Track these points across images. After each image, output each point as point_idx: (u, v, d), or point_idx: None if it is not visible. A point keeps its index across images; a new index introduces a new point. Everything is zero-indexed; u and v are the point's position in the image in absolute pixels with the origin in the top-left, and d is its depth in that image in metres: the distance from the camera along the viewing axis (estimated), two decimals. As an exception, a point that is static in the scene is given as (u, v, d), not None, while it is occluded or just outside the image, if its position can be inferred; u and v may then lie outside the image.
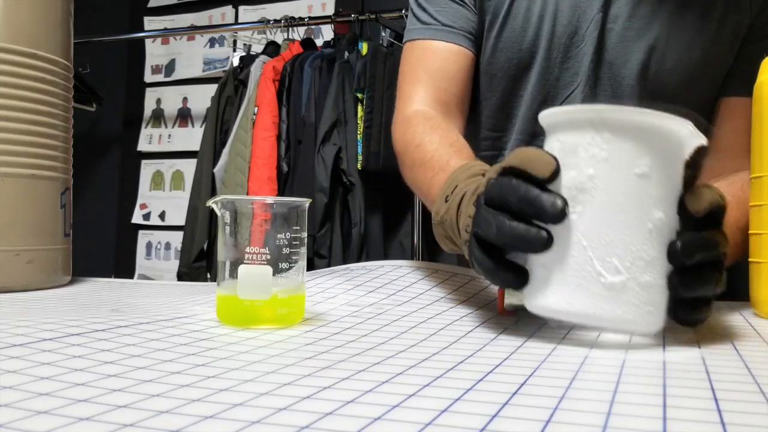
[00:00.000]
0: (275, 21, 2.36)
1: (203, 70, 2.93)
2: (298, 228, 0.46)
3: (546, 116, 0.43)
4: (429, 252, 2.14)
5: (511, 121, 0.79)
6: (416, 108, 0.76)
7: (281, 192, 2.11)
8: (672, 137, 0.40)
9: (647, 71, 0.72)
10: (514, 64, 0.76)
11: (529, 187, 0.41)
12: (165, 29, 2.91)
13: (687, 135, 0.40)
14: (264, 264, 0.44)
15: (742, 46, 0.72)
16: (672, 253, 0.40)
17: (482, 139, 0.82)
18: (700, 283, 0.41)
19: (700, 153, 0.41)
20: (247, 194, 2.11)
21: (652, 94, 0.72)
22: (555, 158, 0.40)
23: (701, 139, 0.41)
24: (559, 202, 0.39)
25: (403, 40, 0.83)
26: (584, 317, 0.40)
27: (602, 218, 0.39)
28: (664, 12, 0.72)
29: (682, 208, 0.40)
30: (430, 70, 0.77)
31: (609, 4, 0.73)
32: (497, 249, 0.44)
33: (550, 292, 0.40)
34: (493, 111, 0.80)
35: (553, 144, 0.42)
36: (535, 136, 0.77)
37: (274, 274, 0.45)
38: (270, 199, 0.46)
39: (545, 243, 0.40)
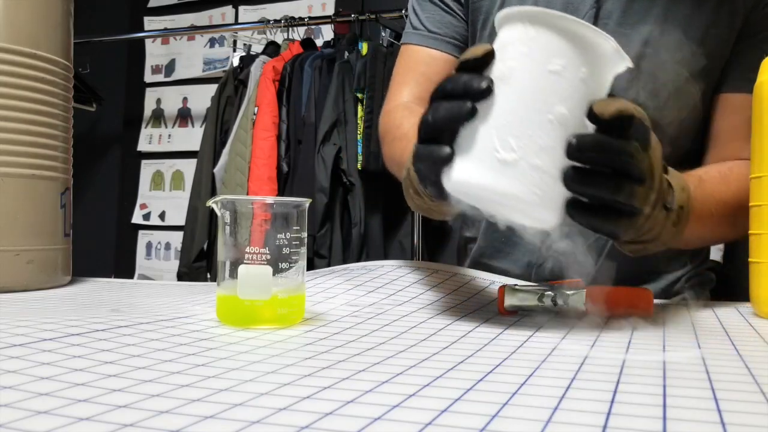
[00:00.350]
0: (275, 21, 2.36)
1: (203, 70, 2.93)
2: (298, 228, 0.46)
3: (495, 18, 0.47)
4: (429, 252, 2.14)
5: None
6: (399, 102, 0.82)
7: (281, 192, 2.11)
8: (592, 47, 0.44)
9: (641, 66, 0.73)
10: None
11: (462, 73, 0.45)
12: (165, 29, 2.91)
13: (610, 51, 0.45)
14: (264, 264, 0.44)
15: (738, 42, 0.72)
16: (568, 147, 0.43)
17: None
18: (592, 181, 0.44)
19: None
20: (247, 194, 2.11)
21: (646, 87, 0.73)
22: (492, 47, 0.46)
23: (627, 61, 0.46)
24: (484, 82, 0.43)
25: (400, 42, 0.88)
26: (479, 188, 0.44)
27: (509, 103, 0.44)
28: (658, 5, 0.72)
29: (591, 112, 0.43)
30: (415, 74, 0.82)
31: (602, 0, 0.73)
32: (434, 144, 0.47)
33: (458, 166, 0.45)
34: None
35: (495, 42, 0.47)
36: None
37: (274, 274, 0.45)
38: (270, 199, 0.46)
39: (469, 112, 0.43)
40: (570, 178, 0.43)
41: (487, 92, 0.43)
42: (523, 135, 0.43)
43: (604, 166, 0.44)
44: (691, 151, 0.75)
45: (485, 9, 0.79)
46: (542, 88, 0.43)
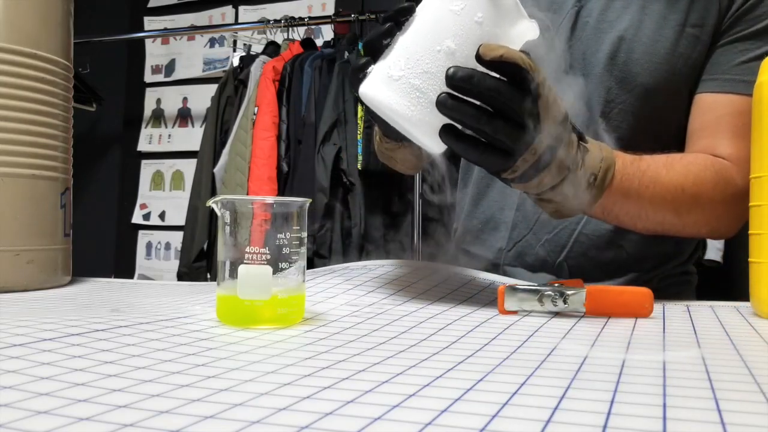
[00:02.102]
0: (275, 21, 2.36)
1: (203, 70, 2.93)
2: (298, 228, 0.46)
3: None
4: (429, 252, 2.14)
5: None
6: None
7: (281, 192, 2.11)
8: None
9: (615, 61, 0.75)
10: None
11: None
12: (165, 29, 2.91)
13: (510, 4, 0.51)
14: (264, 264, 0.44)
15: (712, 42, 0.73)
16: (446, 75, 0.49)
17: None
18: (460, 108, 0.49)
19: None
20: (247, 194, 2.11)
21: (621, 83, 0.74)
22: None
23: (527, 20, 0.52)
24: (398, 8, 0.51)
25: None
26: (372, 99, 0.51)
27: (411, 32, 0.51)
28: (635, 4, 0.74)
29: (477, 52, 0.49)
30: None
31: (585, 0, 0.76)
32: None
33: (367, 78, 0.52)
34: None
35: None
36: None
37: (274, 274, 0.45)
38: (270, 199, 0.46)
39: (385, 31, 0.51)
40: (441, 102, 0.49)
41: (398, 16, 0.51)
42: (412, 58, 0.50)
43: (477, 99, 0.50)
44: (674, 146, 0.76)
45: None
46: (438, 23, 0.50)
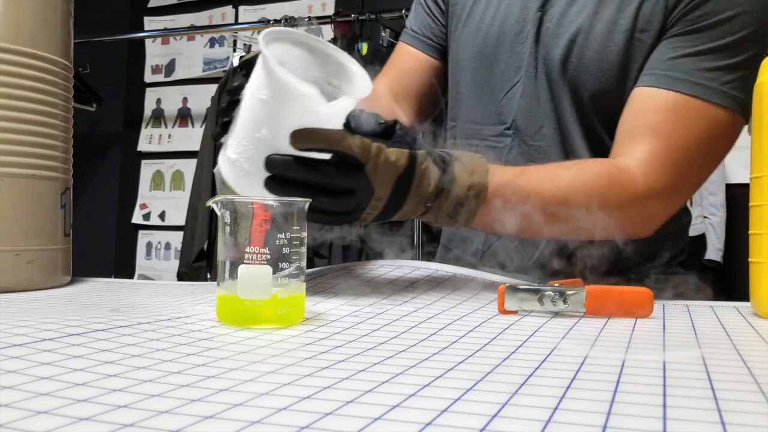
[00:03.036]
0: (275, 21, 2.36)
1: (203, 70, 2.93)
2: (298, 228, 0.46)
3: None
4: (429, 252, 2.13)
5: (461, 111, 0.88)
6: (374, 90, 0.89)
7: (281, 192, 2.11)
8: (287, 86, 0.52)
9: (567, 65, 0.75)
10: (469, 58, 0.84)
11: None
12: (165, 29, 2.91)
13: (305, 92, 0.52)
14: (264, 264, 0.44)
15: (657, 41, 0.72)
16: (265, 162, 0.53)
17: (446, 129, 0.91)
18: (284, 188, 0.54)
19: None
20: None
21: (572, 86, 0.74)
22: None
23: (361, 93, 0.56)
24: (227, 92, 0.61)
25: None
26: (217, 173, 0.57)
27: (239, 116, 0.56)
28: (587, 9, 0.75)
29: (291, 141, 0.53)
30: (395, 67, 0.92)
31: (547, 5, 0.77)
32: None
33: (220, 153, 0.58)
34: (451, 102, 0.90)
35: None
36: (478, 123, 0.84)
37: (274, 274, 0.45)
38: (270, 199, 0.46)
39: (222, 109, 0.57)
40: (267, 185, 0.54)
41: (231, 95, 0.56)
42: (240, 143, 0.55)
43: (298, 179, 0.54)
44: None
45: (458, 11, 0.85)
46: (252, 111, 0.54)
